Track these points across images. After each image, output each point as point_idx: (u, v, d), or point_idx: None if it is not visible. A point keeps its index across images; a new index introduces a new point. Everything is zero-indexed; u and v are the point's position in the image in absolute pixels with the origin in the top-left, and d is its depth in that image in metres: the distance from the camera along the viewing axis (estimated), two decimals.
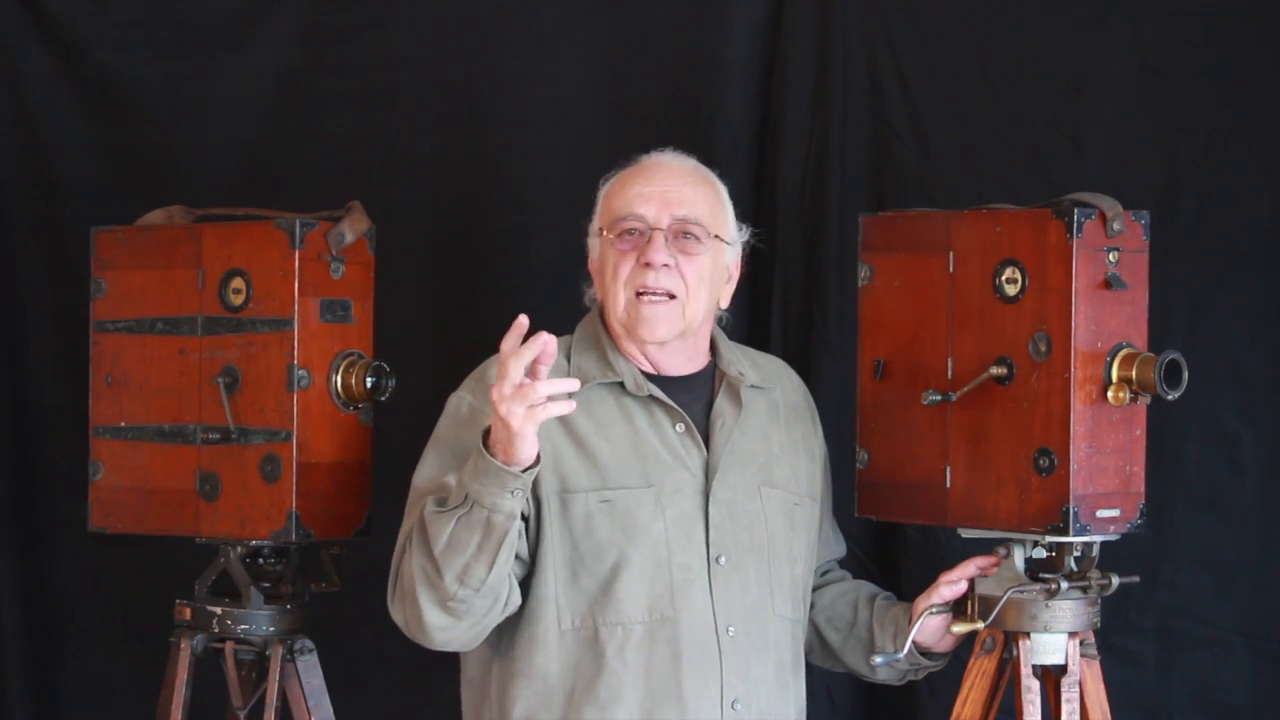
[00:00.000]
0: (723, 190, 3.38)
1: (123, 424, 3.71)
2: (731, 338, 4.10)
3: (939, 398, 3.34)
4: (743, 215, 4.09)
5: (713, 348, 3.39)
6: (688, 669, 3.19)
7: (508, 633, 3.23)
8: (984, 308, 3.32)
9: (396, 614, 3.19)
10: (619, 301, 3.26)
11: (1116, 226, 3.26)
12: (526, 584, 3.22)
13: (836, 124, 4.04)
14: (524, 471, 3.03)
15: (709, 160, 4.05)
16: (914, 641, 3.34)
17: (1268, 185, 3.83)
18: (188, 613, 3.68)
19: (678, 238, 3.26)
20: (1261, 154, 3.83)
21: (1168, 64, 3.87)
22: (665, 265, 3.24)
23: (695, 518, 3.24)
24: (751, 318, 4.11)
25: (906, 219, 3.48)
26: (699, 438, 3.28)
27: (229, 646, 3.66)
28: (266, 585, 3.65)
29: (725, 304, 3.40)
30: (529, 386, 2.96)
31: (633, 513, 3.21)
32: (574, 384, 3.02)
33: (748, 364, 3.40)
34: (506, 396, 2.97)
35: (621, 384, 3.27)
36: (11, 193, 4.44)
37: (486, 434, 3.04)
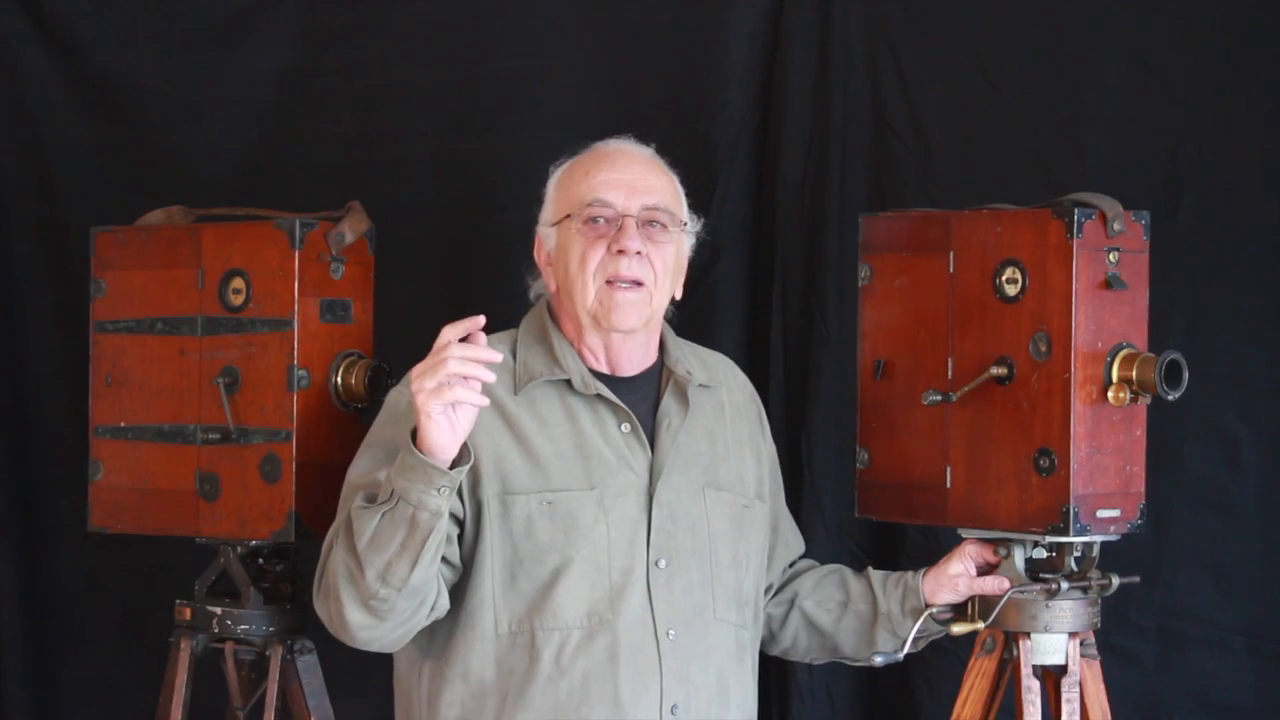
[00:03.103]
0: (677, 180, 3.30)
1: (123, 424, 3.71)
2: (731, 338, 4.12)
3: (939, 398, 3.33)
4: (743, 215, 4.12)
5: (661, 345, 3.31)
6: (625, 674, 3.12)
7: (441, 634, 3.16)
8: (984, 308, 3.32)
9: (320, 609, 3.11)
10: (588, 291, 3.18)
11: (1117, 227, 3.26)
12: (463, 586, 3.14)
13: (836, 124, 4.04)
14: (452, 469, 2.96)
15: (709, 160, 4.08)
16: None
17: (1268, 185, 3.83)
18: (188, 613, 3.68)
19: (645, 226, 3.19)
20: (1262, 154, 3.83)
21: (1168, 64, 3.87)
22: (638, 253, 3.17)
23: (638, 520, 3.17)
24: (752, 318, 4.11)
25: (906, 219, 3.48)
26: (644, 438, 3.21)
27: (229, 647, 3.66)
28: (266, 585, 3.65)
29: (679, 295, 3.30)
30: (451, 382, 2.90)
31: (575, 515, 3.14)
32: (496, 356, 2.93)
33: (695, 361, 3.33)
34: (430, 390, 2.91)
35: (568, 382, 3.20)
36: (11, 193, 4.45)
37: (414, 432, 2.96)
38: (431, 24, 4.28)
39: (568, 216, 3.22)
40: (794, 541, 3.47)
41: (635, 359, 3.25)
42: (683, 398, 3.25)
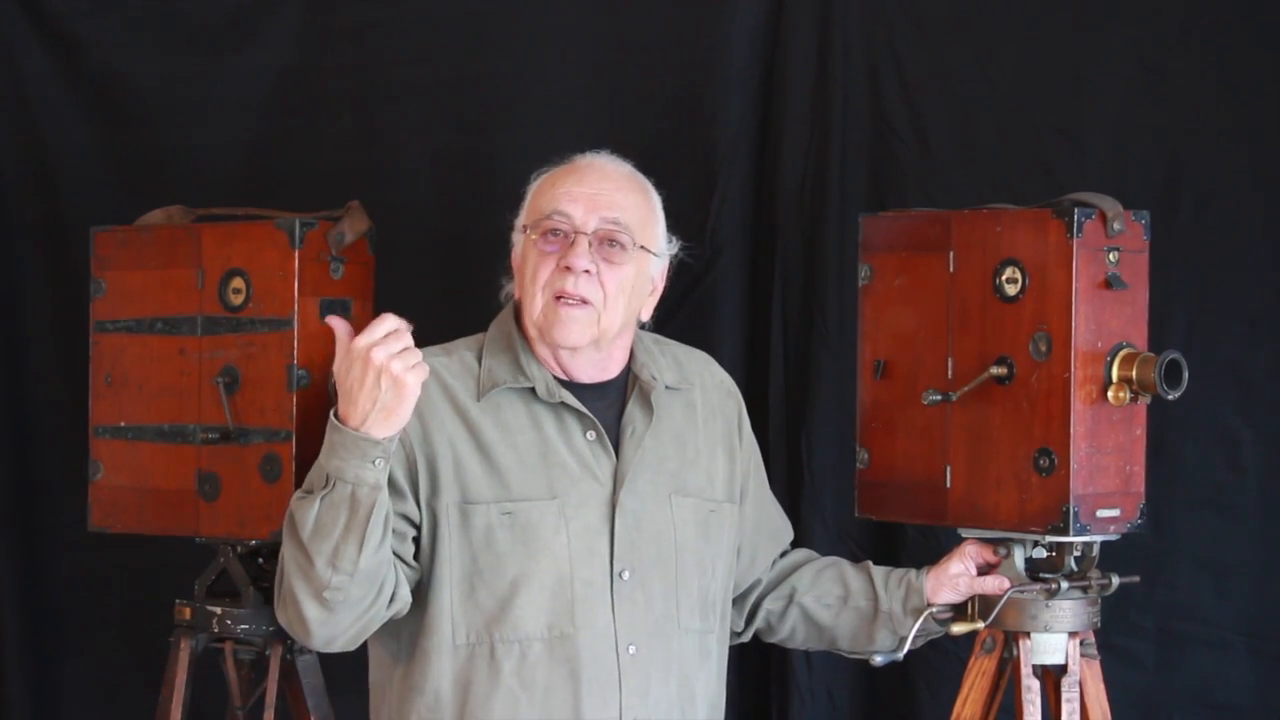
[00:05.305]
0: (655, 200, 3.23)
1: (123, 424, 3.71)
2: (731, 338, 4.11)
3: (939, 398, 3.33)
4: (743, 215, 4.12)
5: (631, 352, 3.24)
6: (586, 689, 3.08)
7: (406, 643, 3.13)
8: (984, 307, 3.32)
9: (280, 617, 3.04)
10: (536, 304, 3.13)
11: (1117, 226, 3.26)
12: (423, 596, 3.10)
13: (836, 124, 4.04)
14: (384, 439, 2.90)
15: (709, 160, 4.08)
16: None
17: (1267, 185, 3.83)
18: (188, 613, 3.68)
19: (602, 244, 3.12)
20: (1261, 154, 3.83)
21: (1168, 64, 3.87)
22: (586, 271, 3.10)
23: (600, 530, 3.12)
24: (752, 318, 4.11)
25: (906, 219, 3.48)
26: (609, 445, 3.15)
27: (229, 646, 3.67)
28: (266, 585, 3.65)
29: (646, 317, 3.24)
30: (409, 346, 2.87)
31: (535, 526, 3.09)
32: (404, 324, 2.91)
33: (667, 362, 3.27)
34: (396, 353, 2.86)
35: (533, 390, 3.15)
36: (12, 193, 4.45)
37: (335, 412, 2.91)
38: (431, 24, 4.28)
39: (528, 227, 3.17)
40: (783, 531, 3.45)
41: (588, 372, 3.19)
42: (647, 404, 3.20)
